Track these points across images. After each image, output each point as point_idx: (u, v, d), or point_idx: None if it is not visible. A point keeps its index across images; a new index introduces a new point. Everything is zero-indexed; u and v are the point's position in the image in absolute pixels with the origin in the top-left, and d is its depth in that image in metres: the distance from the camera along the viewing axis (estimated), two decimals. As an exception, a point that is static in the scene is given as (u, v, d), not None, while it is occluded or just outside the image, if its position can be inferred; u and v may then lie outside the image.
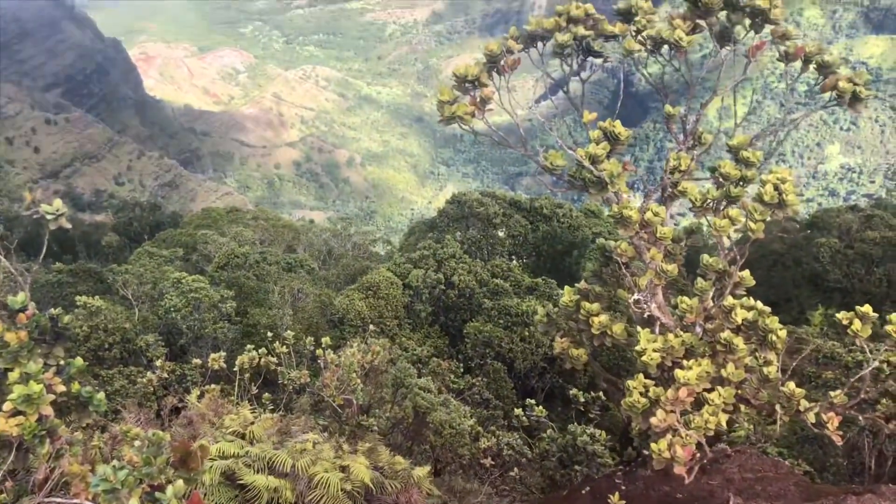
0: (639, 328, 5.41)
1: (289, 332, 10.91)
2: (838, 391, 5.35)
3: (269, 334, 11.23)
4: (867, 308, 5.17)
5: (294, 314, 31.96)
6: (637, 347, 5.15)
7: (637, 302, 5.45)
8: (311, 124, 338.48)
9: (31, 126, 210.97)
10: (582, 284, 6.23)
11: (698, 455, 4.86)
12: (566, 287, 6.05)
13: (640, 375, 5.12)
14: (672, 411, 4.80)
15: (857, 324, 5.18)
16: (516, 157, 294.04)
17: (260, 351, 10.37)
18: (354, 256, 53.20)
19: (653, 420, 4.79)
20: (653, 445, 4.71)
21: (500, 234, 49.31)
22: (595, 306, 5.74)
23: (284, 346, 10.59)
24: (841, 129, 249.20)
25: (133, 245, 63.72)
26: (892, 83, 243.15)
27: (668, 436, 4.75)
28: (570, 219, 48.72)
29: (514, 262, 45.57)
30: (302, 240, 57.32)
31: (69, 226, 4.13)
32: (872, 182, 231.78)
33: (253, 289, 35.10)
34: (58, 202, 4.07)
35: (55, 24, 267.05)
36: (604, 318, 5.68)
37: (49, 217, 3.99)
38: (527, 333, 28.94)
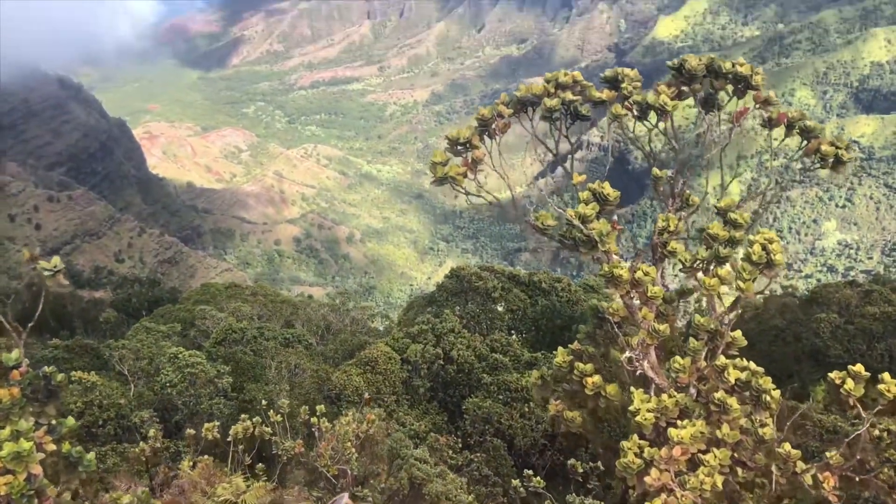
0: (632, 389, 5.41)
1: (284, 400, 10.81)
2: (834, 451, 5.30)
3: (264, 402, 11.10)
4: (859, 367, 5.19)
5: (291, 390, 31.62)
6: (631, 408, 5.14)
7: (630, 361, 5.47)
8: (311, 201, 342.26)
9: (34, 203, 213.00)
10: (575, 346, 6.26)
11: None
12: (559, 348, 6.07)
13: (635, 436, 5.09)
14: (666, 470, 4.76)
15: (849, 383, 5.18)
16: (515, 233, 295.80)
17: (255, 420, 10.25)
18: (352, 331, 52.91)
19: (647, 479, 4.74)
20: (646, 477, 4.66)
21: (499, 308, 49.23)
22: (589, 367, 5.76)
23: (279, 416, 10.48)
24: (837, 206, 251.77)
25: (131, 321, 63.53)
26: (885, 161, 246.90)
27: (663, 495, 4.69)
28: (569, 293, 48.71)
29: (514, 336, 45.34)
30: (300, 315, 57.13)
31: (66, 282, 4.18)
32: (870, 258, 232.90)
33: (250, 364, 34.82)
34: (56, 259, 4.13)
35: (62, 105, 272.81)
36: (597, 378, 5.68)
37: (46, 273, 4.05)
38: (527, 409, 28.56)
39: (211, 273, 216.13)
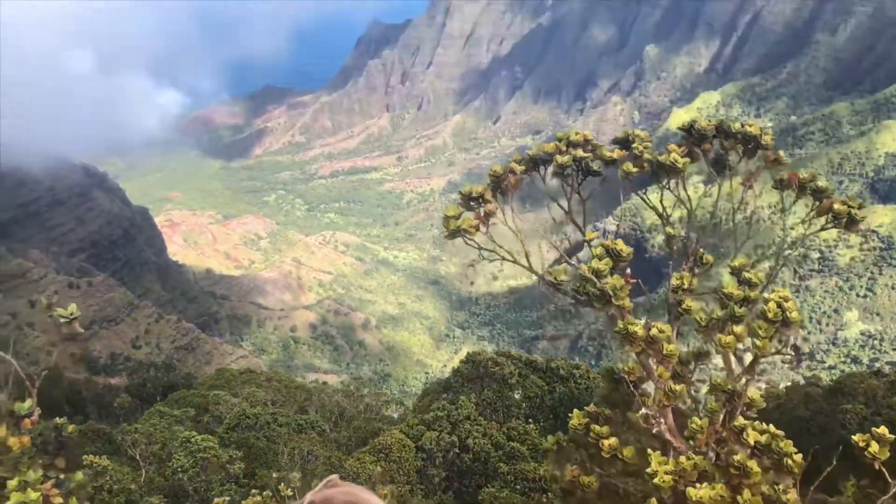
0: (650, 451, 5.28)
1: (295, 474, 10.61)
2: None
3: (275, 475, 10.93)
4: (883, 429, 5.06)
5: (303, 477, 31.07)
6: (648, 470, 5.01)
7: (646, 418, 5.36)
8: (328, 287, 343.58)
9: (55, 290, 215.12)
10: (591, 408, 6.15)
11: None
12: (575, 410, 5.98)
13: (653, 500, 4.94)
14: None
15: (874, 446, 5.05)
16: (532, 320, 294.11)
17: (265, 494, 10.05)
18: (367, 418, 52.25)
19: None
20: None
21: (516, 395, 48.51)
22: (605, 429, 5.64)
23: (290, 490, 10.27)
24: (857, 295, 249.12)
25: (145, 406, 63.14)
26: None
27: None
28: (588, 380, 47.99)
29: (531, 424, 44.48)
30: (314, 401, 56.57)
31: (82, 330, 4.22)
32: (895, 349, 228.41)
33: (262, 450, 34.37)
34: (73, 306, 4.18)
35: (86, 193, 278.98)
36: (614, 440, 5.56)
37: (62, 320, 4.09)
38: (545, 500, 27.80)
39: (227, 359, 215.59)
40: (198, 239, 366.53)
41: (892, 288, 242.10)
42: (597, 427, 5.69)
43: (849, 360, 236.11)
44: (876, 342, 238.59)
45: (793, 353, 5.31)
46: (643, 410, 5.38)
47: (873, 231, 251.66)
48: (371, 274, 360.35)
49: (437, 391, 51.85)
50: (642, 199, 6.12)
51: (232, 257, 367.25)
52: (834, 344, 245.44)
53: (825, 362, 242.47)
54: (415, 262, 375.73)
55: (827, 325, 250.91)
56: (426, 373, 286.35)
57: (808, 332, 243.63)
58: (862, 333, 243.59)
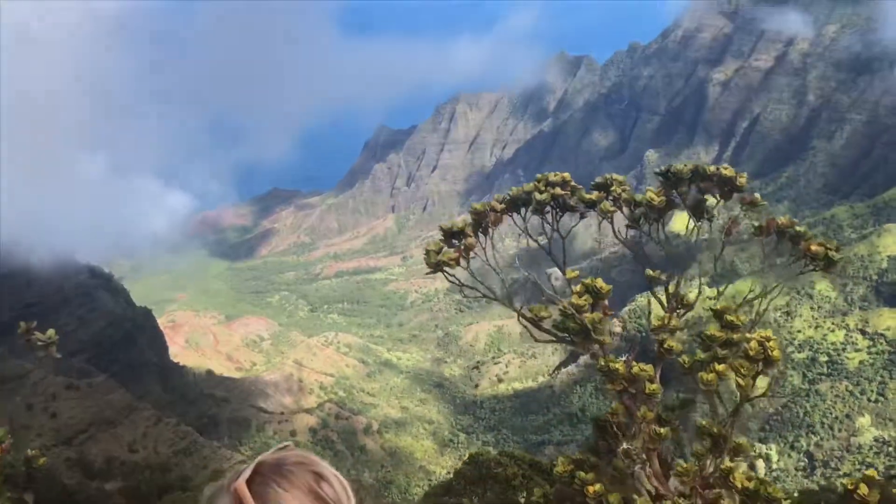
0: (636, 496, 5.15)
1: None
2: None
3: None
4: (872, 472, 4.93)
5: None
6: (635, 514, 4.88)
7: (627, 453, 5.25)
8: (329, 390, 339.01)
9: (52, 391, 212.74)
10: (576, 455, 6.02)
11: None
12: (559, 457, 5.85)
13: (639, 546, 4.79)
14: (671, 569, 4.43)
15: (863, 488, 4.92)
16: (539, 424, 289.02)
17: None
18: (366, 522, 50.61)
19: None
20: None
21: (521, 499, 47.13)
22: (590, 476, 5.50)
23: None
24: (869, 400, 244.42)
25: (139, 507, 61.44)
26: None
27: None
28: (592, 481, 46.80)
29: (535, 527, 43.12)
30: None
31: (59, 356, 4.23)
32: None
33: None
34: (51, 331, 4.20)
35: (90, 293, 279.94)
36: (599, 486, 5.41)
37: (40, 343, 4.10)
38: None
39: (225, 464, 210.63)
40: (200, 340, 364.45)
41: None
42: (582, 474, 5.56)
43: (864, 467, 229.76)
44: (890, 448, 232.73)
45: (773, 392, 5.23)
46: (624, 445, 5.29)
47: (881, 334, 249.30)
48: (374, 376, 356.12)
49: (438, 493, 50.44)
50: (622, 240, 6.19)
51: (233, 359, 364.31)
52: (848, 451, 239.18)
53: (839, 469, 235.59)
54: (418, 364, 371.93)
55: (840, 430, 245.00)
56: (429, 480, 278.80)
57: (821, 438, 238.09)
58: (875, 440, 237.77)
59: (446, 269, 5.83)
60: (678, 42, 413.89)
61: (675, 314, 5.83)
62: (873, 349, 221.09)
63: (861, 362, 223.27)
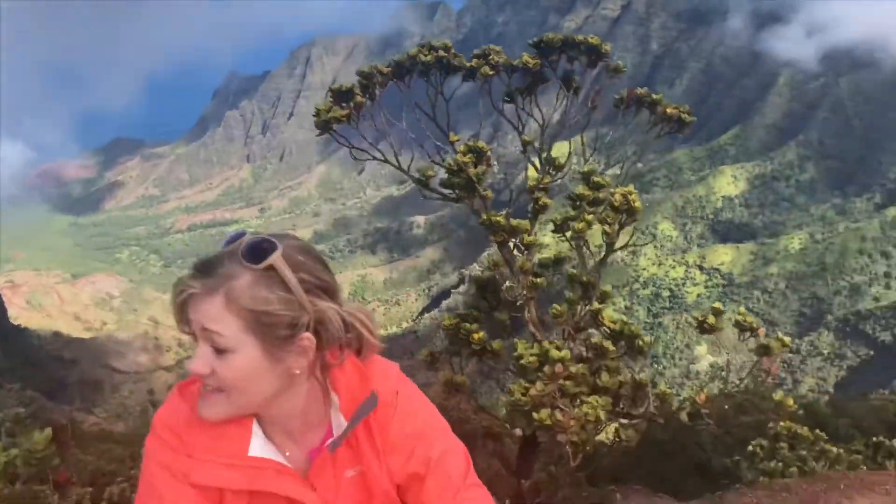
0: (516, 340, 5.65)
1: None
2: (703, 389, 5.67)
3: None
4: (718, 305, 5.64)
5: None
6: (515, 353, 5.34)
7: (510, 290, 5.73)
8: (187, 347, 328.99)
9: None
10: (460, 311, 6.46)
11: (584, 429, 4.92)
12: (445, 315, 6.25)
13: (521, 380, 5.26)
14: (549, 383, 4.91)
15: (702, 396, 5.62)
16: (403, 368, 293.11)
17: None
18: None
19: (532, 392, 4.88)
20: (535, 416, 4.74)
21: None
22: (474, 326, 5.95)
23: None
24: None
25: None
26: (744, 287, 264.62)
27: (547, 410, 4.82)
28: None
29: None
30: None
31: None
32: (742, 379, 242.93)
33: None
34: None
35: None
36: (482, 334, 5.88)
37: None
38: None
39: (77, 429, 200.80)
40: (43, 300, 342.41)
41: (735, 321, 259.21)
42: (467, 325, 6.00)
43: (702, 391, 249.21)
44: (723, 373, 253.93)
45: (634, 245, 5.84)
46: (507, 283, 5.77)
47: (716, 269, 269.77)
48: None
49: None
50: (500, 111, 6.59)
51: (82, 319, 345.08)
52: (688, 378, 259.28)
53: (680, 395, 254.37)
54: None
55: (680, 359, 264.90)
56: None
57: (664, 367, 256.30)
58: (711, 366, 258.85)
59: (335, 128, 6.00)
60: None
61: (547, 175, 6.31)
62: (709, 283, 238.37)
63: (699, 295, 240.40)
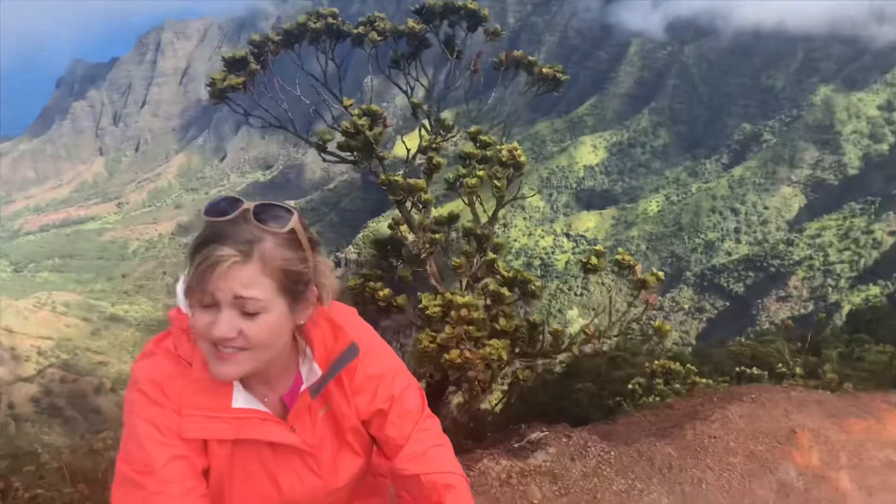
0: (419, 294, 5.95)
1: None
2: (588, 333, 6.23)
3: None
4: (599, 247, 6.18)
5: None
6: (420, 306, 5.65)
7: (414, 244, 6.03)
8: (50, 354, 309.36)
9: None
10: (365, 271, 6.70)
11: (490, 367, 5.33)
12: (350, 275, 6.50)
13: (427, 330, 5.58)
14: (457, 326, 5.27)
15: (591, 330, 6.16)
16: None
17: None
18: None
19: (442, 336, 5.22)
20: (445, 356, 5.09)
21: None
22: (378, 284, 6.21)
23: None
24: (575, 294, 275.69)
25: None
26: (608, 250, 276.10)
27: (456, 351, 5.18)
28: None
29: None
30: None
31: None
32: (609, 340, 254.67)
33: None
34: None
35: None
36: (388, 291, 6.15)
37: None
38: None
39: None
40: None
41: (602, 284, 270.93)
42: (371, 284, 6.25)
43: (575, 353, 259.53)
44: (603, 315, 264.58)
45: (521, 195, 6.26)
46: (411, 237, 6.06)
47: (581, 236, 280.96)
48: (100, 333, 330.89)
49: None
50: (387, 76, 6.83)
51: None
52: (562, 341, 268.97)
53: (556, 359, 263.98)
54: (149, 314, 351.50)
55: (552, 326, 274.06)
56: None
57: (539, 333, 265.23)
58: (583, 330, 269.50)
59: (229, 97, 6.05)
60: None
61: (437, 136, 6.62)
62: (577, 249, 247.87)
63: (567, 262, 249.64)
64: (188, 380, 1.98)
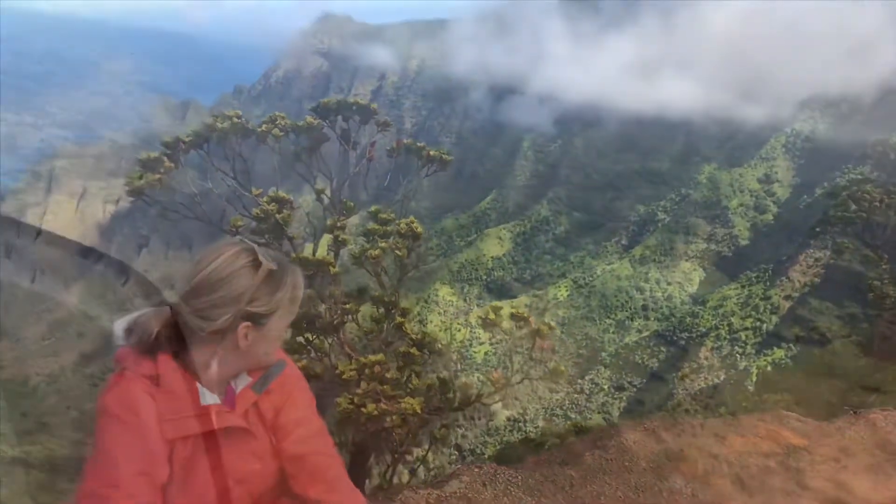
0: (338, 362, 6.41)
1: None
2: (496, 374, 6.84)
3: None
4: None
5: None
6: (337, 371, 6.11)
7: (328, 312, 6.50)
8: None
9: None
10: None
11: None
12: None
13: (345, 393, 6.03)
14: (371, 382, 5.74)
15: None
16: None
17: None
18: None
19: (358, 391, 5.67)
20: (364, 410, 5.53)
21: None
22: (295, 356, 6.63)
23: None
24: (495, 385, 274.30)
25: None
26: (525, 337, 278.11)
27: (373, 404, 5.63)
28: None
29: None
30: None
31: None
32: (537, 427, 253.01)
33: None
34: None
35: None
36: (305, 362, 6.58)
37: None
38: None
39: None
40: None
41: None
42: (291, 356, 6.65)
43: (504, 447, 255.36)
44: (521, 424, 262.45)
45: (422, 262, 6.87)
46: (323, 305, 6.54)
47: (495, 325, 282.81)
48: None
49: None
50: (296, 168, 7.50)
51: None
52: (489, 434, 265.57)
53: (484, 454, 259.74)
54: (54, 452, 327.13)
55: (479, 418, 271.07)
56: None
57: (466, 429, 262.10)
58: (507, 419, 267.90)
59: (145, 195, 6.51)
60: (281, 82, 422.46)
61: (341, 217, 7.23)
62: (493, 339, 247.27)
63: (486, 353, 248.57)
64: (160, 393, 2.32)
